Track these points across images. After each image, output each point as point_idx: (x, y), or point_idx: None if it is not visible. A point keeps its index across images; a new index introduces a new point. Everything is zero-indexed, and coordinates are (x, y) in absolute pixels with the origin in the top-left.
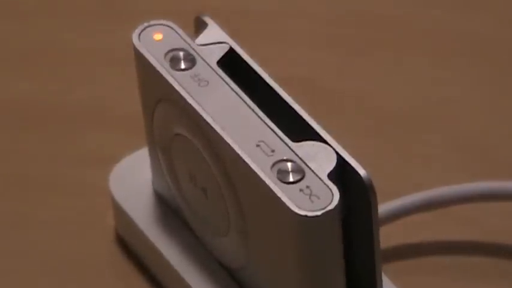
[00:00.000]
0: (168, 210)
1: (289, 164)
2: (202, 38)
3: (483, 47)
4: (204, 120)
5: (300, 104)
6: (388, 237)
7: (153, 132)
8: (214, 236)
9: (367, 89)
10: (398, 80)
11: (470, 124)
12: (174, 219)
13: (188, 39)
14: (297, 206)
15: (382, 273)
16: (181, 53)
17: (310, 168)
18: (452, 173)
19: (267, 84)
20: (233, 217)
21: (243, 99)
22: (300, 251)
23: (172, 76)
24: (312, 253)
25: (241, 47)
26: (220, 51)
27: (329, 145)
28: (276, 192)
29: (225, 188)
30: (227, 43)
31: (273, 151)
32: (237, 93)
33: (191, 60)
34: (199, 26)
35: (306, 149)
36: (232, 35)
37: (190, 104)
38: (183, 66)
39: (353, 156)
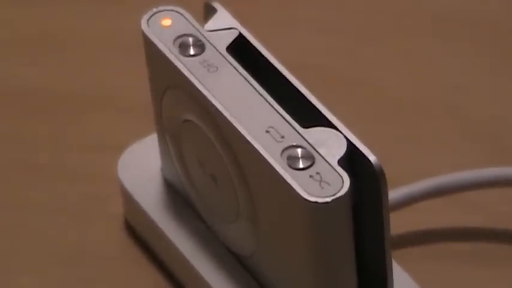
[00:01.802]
0: (177, 197)
1: (299, 150)
2: (212, 23)
3: (495, 34)
4: (214, 106)
5: (309, 90)
6: (397, 223)
7: (162, 118)
8: (223, 222)
9: (378, 76)
10: (410, 67)
11: (481, 111)
12: (183, 206)
13: (197, 25)
14: (307, 192)
15: (392, 259)
16: (190, 39)
17: (320, 155)
18: (463, 159)
19: (277, 70)
20: (242, 203)
21: (252, 85)
22: (310, 238)
23: (181, 62)
24: (322, 240)
25: (251, 33)
26: (229, 37)
27: (339, 131)
28: (286, 178)
29: (235, 174)
30: (236, 29)
31: (282, 137)
32: (246, 79)
33: (200, 46)
34: (209, 12)
35: (316, 135)
36: (241, 21)
37: (199, 90)
38: (192, 52)
39: (363, 143)
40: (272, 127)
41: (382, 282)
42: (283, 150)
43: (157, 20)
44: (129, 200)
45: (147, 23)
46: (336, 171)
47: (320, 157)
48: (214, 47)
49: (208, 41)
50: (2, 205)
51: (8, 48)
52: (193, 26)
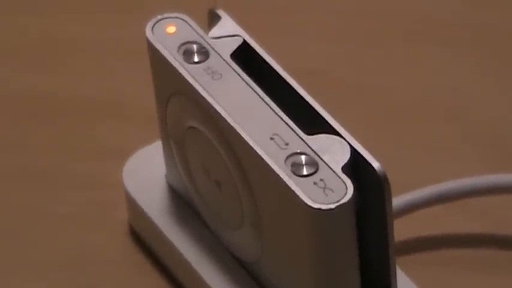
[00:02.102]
0: (182, 203)
1: (303, 157)
2: (216, 31)
3: (497, 38)
4: (218, 113)
5: (313, 96)
6: (401, 229)
7: (167, 125)
8: (227, 229)
9: (380, 81)
10: (412, 72)
11: (484, 116)
12: (187, 212)
13: (201, 32)
14: (311, 199)
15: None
16: (194, 46)
17: (324, 161)
18: (466, 164)
19: (281, 77)
20: (247, 210)
21: (256, 92)
22: (314, 244)
23: (185, 69)
24: (326, 246)
25: (255, 40)
26: (233, 44)
27: (343, 138)
28: (289, 185)
29: (239, 180)
30: (240, 36)
31: (286, 144)
32: (250, 86)
33: (204, 53)
34: (213, 19)
35: (319, 142)
36: (245, 28)
37: (203, 97)
38: (196, 59)
39: (367, 149)
40: (276, 134)
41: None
42: (287, 157)
43: (161, 27)
44: (133, 206)
45: (152, 30)
46: (339, 178)
47: (324, 164)
48: (219, 54)
49: (213, 48)
50: (5, 211)
51: (15, 55)
52: (197, 33)
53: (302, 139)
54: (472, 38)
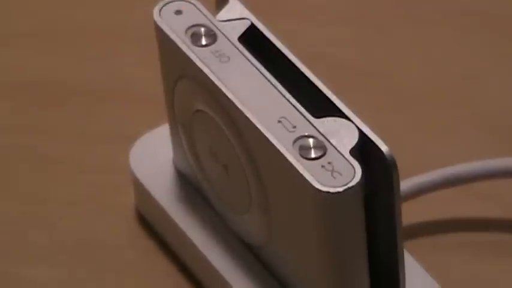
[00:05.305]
0: (189, 188)
1: (311, 140)
2: (224, 13)
3: (507, 24)
4: (226, 96)
5: (321, 80)
6: (409, 213)
7: (174, 108)
8: (235, 213)
9: (390, 66)
10: (421, 57)
11: (493, 101)
12: (195, 196)
13: (209, 15)
14: (319, 182)
15: (404, 250)
16: (202, 29)
17: (332, 145)
18: (474, 149)
19: (289, 60)
20: (254, 194)
21: (264, 75)
22: (322, 228)
23: (193, 52)
24: (333, 229)
25: (263, 23)
26: (241, 27)
27: (351, 121)
28: (297, 168)
29: (247, 164)
30: (248, 19)
31: (294, 127)
32: (258, 69)
33: (212, 36)
34: (220, 2)
35: (327, 125)
36: (253, 11)
37: (211, 80)
38: (204, 42)
39: (375, 133)
40: (284, 117)
41: (394, 272)
42: (295, 140)
43: (169, 10)
44: (140, 190)
45: (159, 13)
46: (347, 161)
47: (332, 147)
48: (226, 37)
49: (220, 31)
50: (13, 195)
51: (22, 40)
52: (205, 16)
53: (310, 122)
54: (482, 23)
